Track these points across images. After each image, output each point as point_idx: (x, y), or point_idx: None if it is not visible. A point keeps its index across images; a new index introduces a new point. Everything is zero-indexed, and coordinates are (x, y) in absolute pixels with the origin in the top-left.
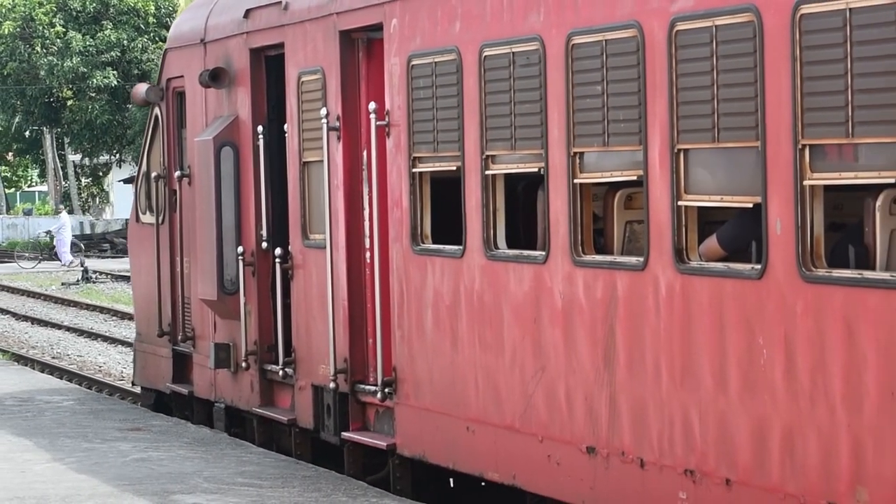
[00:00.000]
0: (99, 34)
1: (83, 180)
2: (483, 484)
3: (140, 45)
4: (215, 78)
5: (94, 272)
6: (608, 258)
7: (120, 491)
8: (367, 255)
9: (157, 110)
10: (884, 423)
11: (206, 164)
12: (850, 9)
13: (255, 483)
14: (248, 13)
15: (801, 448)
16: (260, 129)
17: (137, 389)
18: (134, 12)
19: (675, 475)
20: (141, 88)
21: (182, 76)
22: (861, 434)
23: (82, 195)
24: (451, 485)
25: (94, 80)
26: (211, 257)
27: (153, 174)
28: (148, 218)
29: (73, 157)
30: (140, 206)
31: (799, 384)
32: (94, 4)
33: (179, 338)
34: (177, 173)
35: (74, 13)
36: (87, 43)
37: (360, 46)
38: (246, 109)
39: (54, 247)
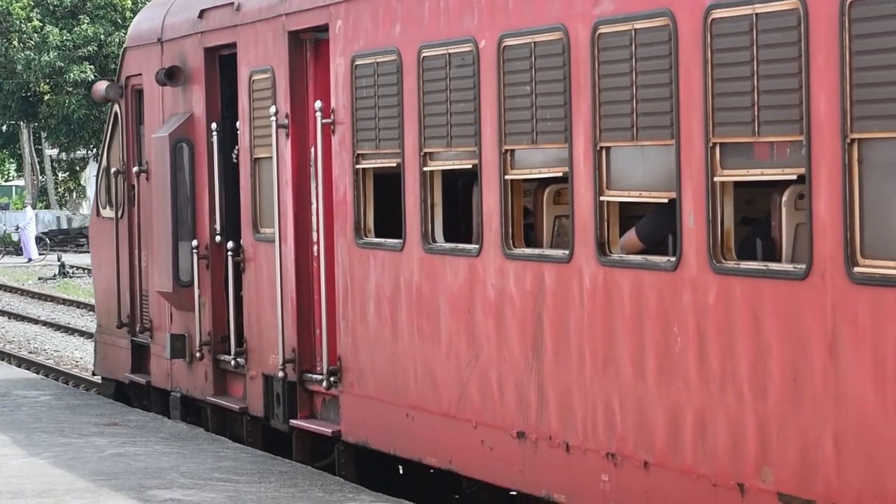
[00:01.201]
0: (76, 28)
1: (60, 175)
2: (432, 471)
3: (117, 40)
4: (171, 76)
5: (71, 267)
6: (536, 251)
7: (97, 486)
8: (315, 248)
9: (116, 107)
10: (786, 408)
11: (163, 160)
12: (757, 14)
13: (232, 478)
14: (202, 13)
15: (712, 432)
16: (214, 126)
17: (99, 379)
18: (111, 7)
19: (598, 458)
20: (101, 86)
21: (140, 74)
22: (766, 418)
23: (59, 190)
24: (400, 471)
25: (72, 75)
26: (167, 251)
27: (112, 169)
28: (108, 212)
29: (50, 152)
30: (101, 200)
31: (710, 371)
32: None
33: (138, 329)
34: (135, 169)
35: (51, 7)
36: (65, 37)
37: (308, 46)
38: (200, 107)
39: (19, 241)
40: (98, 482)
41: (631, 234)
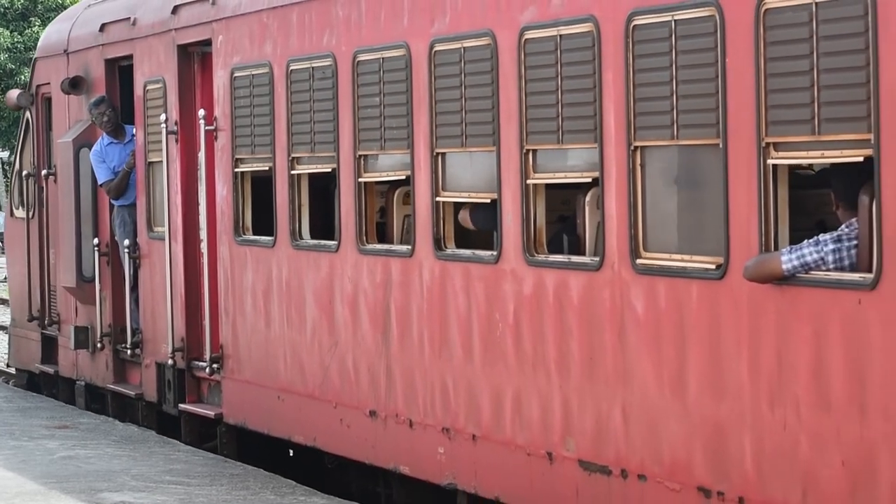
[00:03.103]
0: (27, 31)
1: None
2: (330, 463)
3: None
4: (75, 85)
5: None
6: (385, 247)
7: (47, 489)
8: (201, 246)
9: (28, 114)
10: (584, 385)
11: (67, 164)
12: (561, 35)
13: (183, 481)
14: (103, 27)
15: (527, 407)
16: None
17: (14, 371)
18: (62, 9)
19: (436, 433)
20: (13, 94)
21: (49, 83)
22: (569, 394)
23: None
24: (291, 454)
25: (22, 77)
26: (71, 248)
27: (24, 172)
28: (20, 213)
29: (2, 154)
30: (14, 201)
31: (524, 353)
32: (23, 1)
33: (47, 322)
34: (44, 172)
35: (2, 10)
36: (15, 39)
37: (196, 59)
38: None
39: None
40: (48, 485)
41: (466, 214)
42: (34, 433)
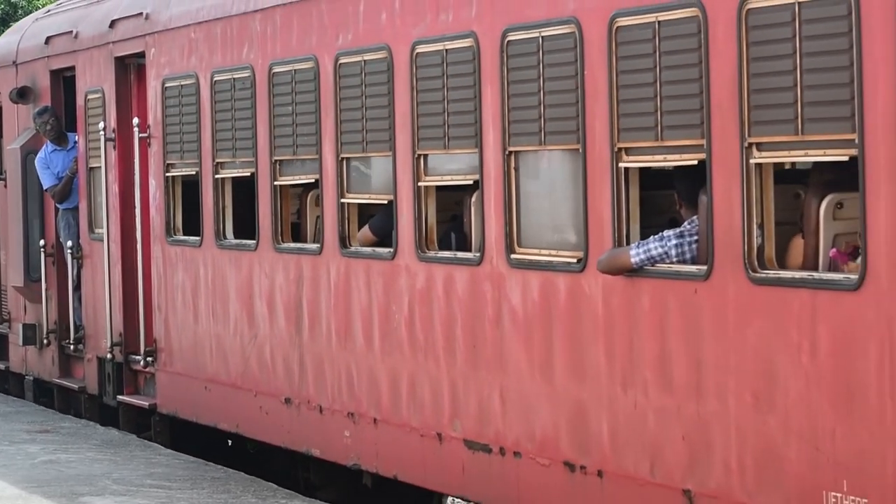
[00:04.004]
0: None
1: None
2: (252, 448)
3: None
4: (22, 95)
5: None
6: (298, 245)
7: (28, 493)
8: (137, 246)
9: None
10: (468, 370)
11: (16, 170)
12: (447, 49)
13: (165, 485)
14: (48, 40)
15: (420, 392)
16: None
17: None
18: None
19: (342, 417)
20: None
21: (0, 93)
22: (456, 379)
23: None
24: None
25: None
26: (19, 249)
27: None
28: None
29: None
30: None
31: (417, 342)
32: (3, 6)
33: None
34: None
35: None
36: None
37: (132, 70)
38: None
39: None
40: (30, 489)
41: (365, 229)
42: (15, 437)
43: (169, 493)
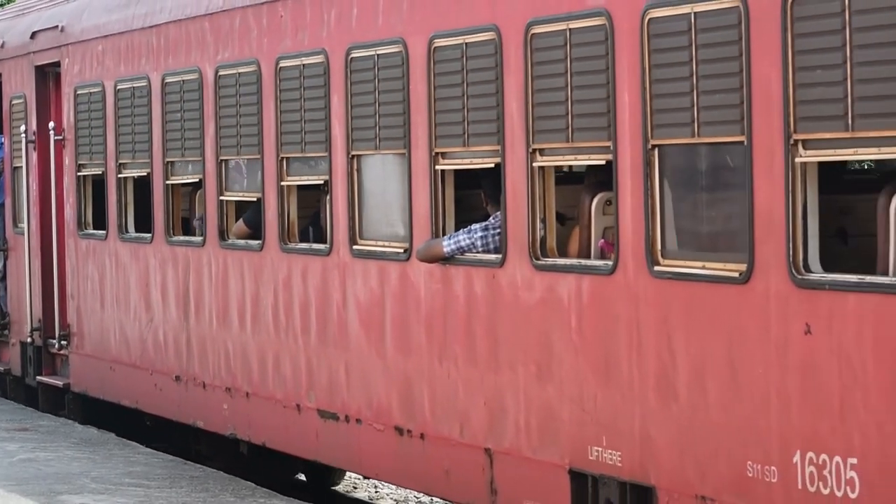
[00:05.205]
0: None
1: None
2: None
3: None
4: None
5: None
6: (185, 238)
7: (6, 491)
8: (54, 239)
9: None
10: (320, 348)
11: None
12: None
13: (143, 483)
14: None
15: (283, 368)
16: None
17: None
18: None
19: (221, 392)
20: None
21: None
22: (311, 356)
23: None
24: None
25: None
26: None
27: None
28: None
29: None
30: None
31: (281, 323)
32: None
33: None
34: None
35: None
36: None
37: (51, 78)
38: None
39: None
40: (8, 487)
41: (240, 222)
42: None
43: (147, 491)
